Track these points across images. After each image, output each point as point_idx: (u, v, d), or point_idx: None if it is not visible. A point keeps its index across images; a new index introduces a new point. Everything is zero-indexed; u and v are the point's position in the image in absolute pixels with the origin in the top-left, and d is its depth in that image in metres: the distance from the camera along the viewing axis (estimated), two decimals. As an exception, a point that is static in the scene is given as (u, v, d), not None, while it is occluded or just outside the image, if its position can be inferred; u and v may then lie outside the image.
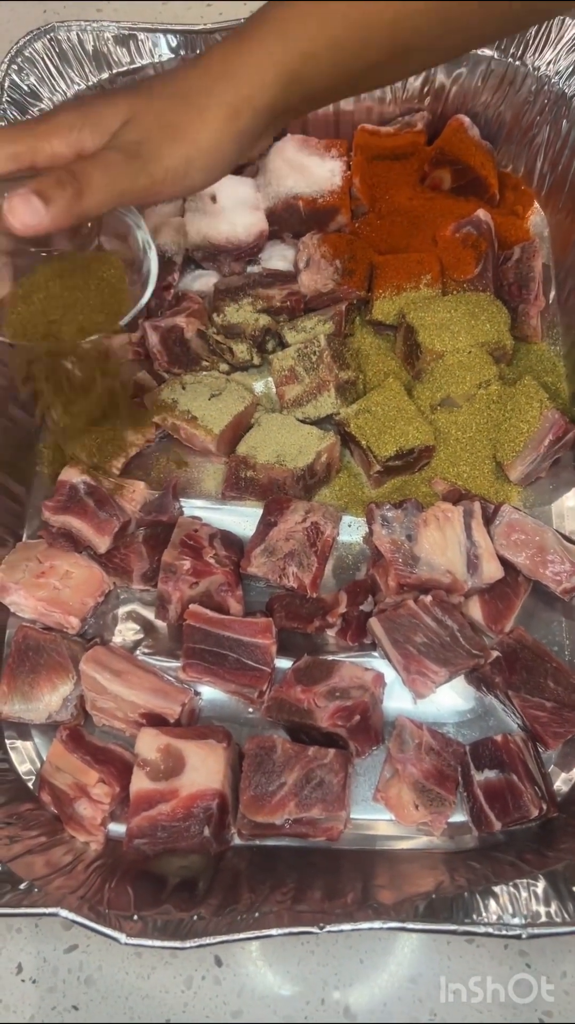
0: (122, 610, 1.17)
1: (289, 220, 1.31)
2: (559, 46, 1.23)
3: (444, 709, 1.09)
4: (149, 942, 0.84)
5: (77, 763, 1.01)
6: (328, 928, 0.83)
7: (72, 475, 1.16)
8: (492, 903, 0.85)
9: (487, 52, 1.24)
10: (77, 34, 1.25)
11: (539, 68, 1.24)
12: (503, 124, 1.32)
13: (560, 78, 1.24)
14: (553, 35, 1.23)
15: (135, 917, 0.87)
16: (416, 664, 1.02)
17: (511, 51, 1.24)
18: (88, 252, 0.86)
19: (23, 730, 1.10)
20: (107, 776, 1.00)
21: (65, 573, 1.13)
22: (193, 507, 1.20)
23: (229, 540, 1.15)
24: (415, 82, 1.29)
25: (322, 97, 0.83)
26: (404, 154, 1.33)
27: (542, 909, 0.84)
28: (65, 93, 1.26)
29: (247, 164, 1.34)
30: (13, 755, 1.09)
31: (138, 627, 1.15)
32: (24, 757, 1.09)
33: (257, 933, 0.83)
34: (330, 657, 1.08)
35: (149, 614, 1.16)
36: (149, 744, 0.99)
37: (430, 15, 0.74)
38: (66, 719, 1.07)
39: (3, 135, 0.73)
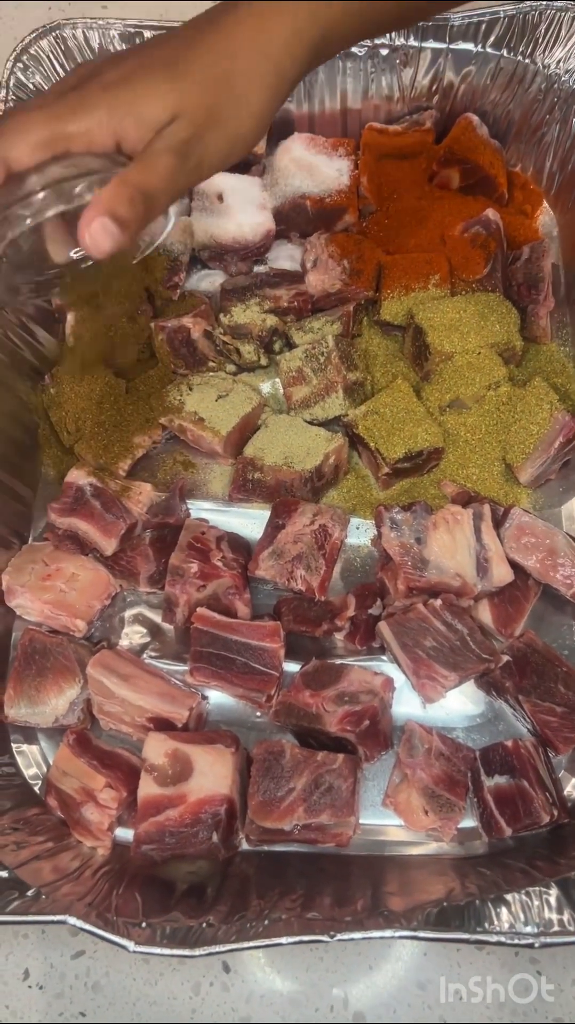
0: (129, 613, 1.16)
1: (296, 219, 1.30)
2: (569, 44, 1.22)
3: (454, 714, 1.08)
4: (158, 950, 0.83)
5: (84, 767, 1.01)
6: (339, 936, 0.82)
7: (78, 477, 1.15)
8: (504, 911, 0.84)
9: (496, 50, 1.23)
10: (83, 32, 1.24)
11: (548, 66, 1.23)
12: (512, 123, 1.31)
13: (570, 76, 1.22)
14: (563, 33, 1.21)
15: (143, 924, 0.86)
16: (426, 668, 1.01)
17: (520, 49, 1.23)
18: None
19: (30, 734, 1.10)
20: (114, 781, 1.00)
21: (71, 576, 1.12)
22: (200, 509, 1.20)
23: (236, 543, 1.14)
24: (423, 80, 1.28)
25: (348, 45, 0.87)
26: (412, 153, 1.32)
27: (555, 917, 0.83)
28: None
29: (254, 163, 1.33)
30: (20, 759, 1.08)
31: (145, 630, 1.15)
32: (31, 761, 1.09)
33: (267, 941, 0.83)
34: (338, 661, 1.07)
35: (156, 617, 1.15)
36: (156, 749, 0.98)
37: None
38: (73, 723, 1.06)
39: (32, 121, 0.70)
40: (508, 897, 0.85)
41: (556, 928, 0.82)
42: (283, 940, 0.83)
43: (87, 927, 0.84)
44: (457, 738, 1.05)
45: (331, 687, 1.02)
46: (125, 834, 1.01)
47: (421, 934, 0.82)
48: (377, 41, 1.24)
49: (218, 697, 1.09)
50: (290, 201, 1.29)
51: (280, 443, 1.16)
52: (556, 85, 1.23)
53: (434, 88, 1.30)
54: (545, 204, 1.35)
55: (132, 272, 1.20)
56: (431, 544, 1.06)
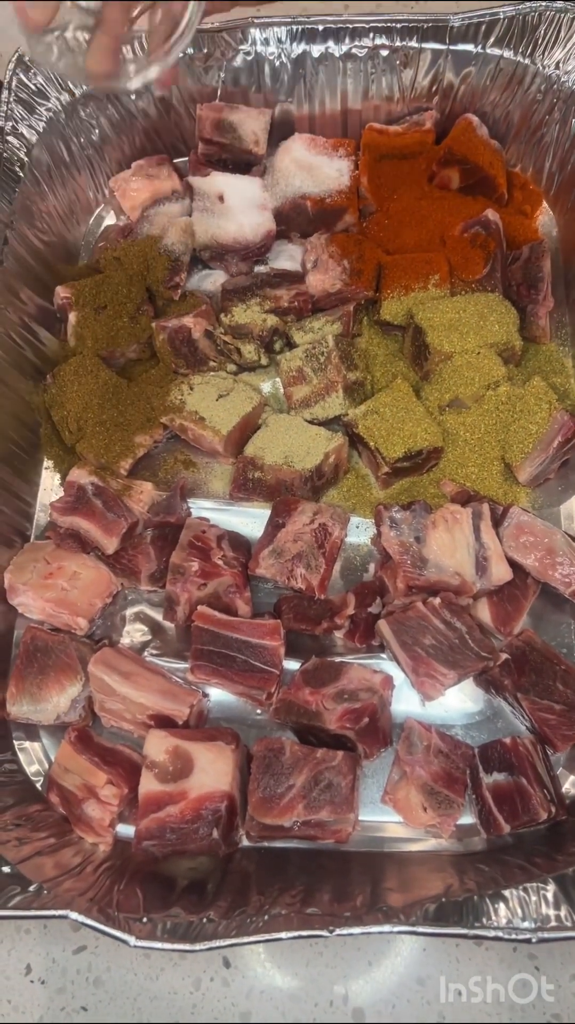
0: (130, 611, 1.16)
1: (297, 220, 1.31)
2: (568, 45, 1.22)
3: (453, 711, 1.09)
4: (159, 945, 0.84)
5: (86, 764, 1.02)
6: (338, 932, 0.83)
7: (80, 476, 1.16)
8: (502, 907, 0.84)
9: (496, 51, 1.24)
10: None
11: (548, 67, 1.23)
12: (512, 123, 1.31)
13: (569, 77, 1.23)
14: (562, 34, 1.22)
15: (144, 919, 0.87)
16: (425, 666, 1.02)
17: (520, 50, 1.23)
18: None
19: (32, 731, 1.10)
20: (115, 777, 1.00)
21: (73, 574, 1.12)
22: (201, 508, 1.20)
23: (237, 541, 1.15)
24: (424, 81, 1.29)
25: None
26: (412, 153, 1.32)
27: (552, 913, 0.84)
28: (72, 93, 1.26)
29: (255, 163, 1.33)
30: (22, 756, 1.09)
31: (146, 628, 1.15)
32: (33, 758, 1.09)
33: (267, 937, 0.83)
34: (338, 659, 1.08)
35: (157, 615, 1.16)
36: (157, 746, 0.99)
37: None
38: (74, 720, 1.07)
39: None
40: (506, 893, 0.85)
41: (553, 924, 0.83)
42: (283, 935, 0.83)
43: (88, 922, 0.85)
44: (456, 735, 1.05)
45: (331, 685, 1.03)
46: (126, 830, 1.02)
47: (419, 929, 0.83)
48: (377, 42, 1.24)
49: (219, 694, 1.10)
50: (290, 201, 1.30)
51: (280, 442, 1.17)
52: (556, 86, 1.24)
53: (434, 89, 1.30)
54: (544, 204, 1.35)
55: None
56: (430, 543, 1.07)
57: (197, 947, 0.83)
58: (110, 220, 1.41)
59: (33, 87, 1.24)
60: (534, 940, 0.82)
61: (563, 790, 1.04)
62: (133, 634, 1.15)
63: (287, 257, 1.32)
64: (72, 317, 1.23)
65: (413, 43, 1.24)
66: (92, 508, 1.13)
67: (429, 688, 1.02)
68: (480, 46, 1.24)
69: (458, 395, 1.17)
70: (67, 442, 1.21)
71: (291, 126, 1.35)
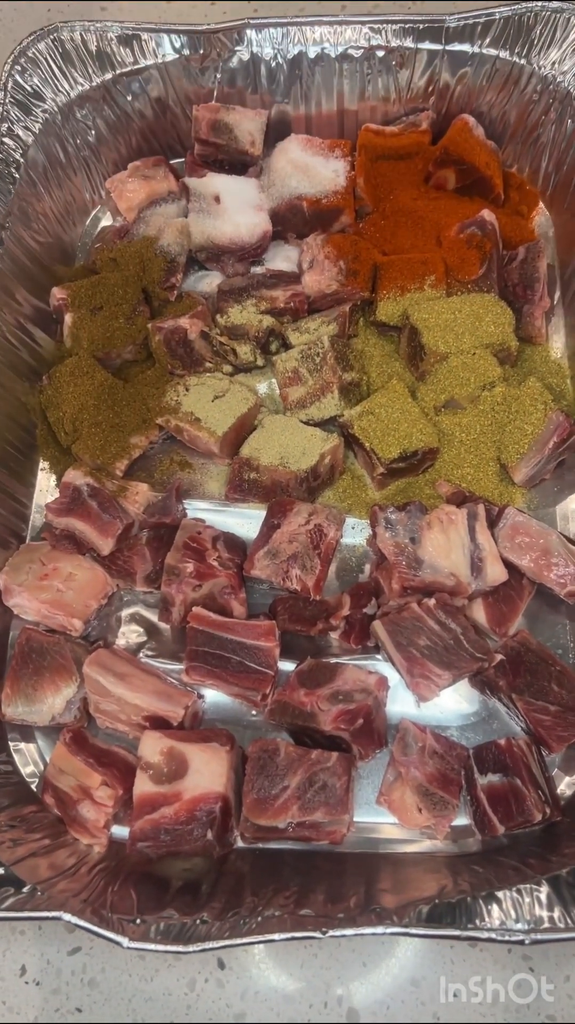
0: (125, 612, 1.16)
1: (293, 221, 1.31)
2: (564, 46, 1.22)
3: (447, 712, 1.09)
4: (152, 946, 0.84)
5: (80, 765, 1.02)
6: (331, 933, 0.83)
7: (75, 477, 1.16)
8: (495, 908, 0.84)
9: (492, 51, 1.24)
10: (80, 34, 1.24)
11: (544, 68, 1.23)
12: (508, 124, 1.31)
13: (565, 77, 1.23)
14: (558, 35, 1.22)
15: (138, 921, 0.87)
16: (420, 667, 1.02)
17: (516, 50, 1.23)
18: None
19: (27, 732, 1.10)
20: (110, 779, 1.00)
21: (68, 575, 1.13)
22: (196, 509, 1.20)
23: (232, 542, 1.15)
24: (420, 81, 1.29)
25: None
26: (408, 154, 1.32)
27: (545, 914, 0.84)
28: (68, 94, 1.26)
29: (251, 164, 1.33)
30: (17, 757, 1.09)
31: (141, 629, 1.15)
32: (28, 759, 1.09)
33: (260, 938, 0.83)
34: (333, 660, 1.08)
35: (152, 616, 1.16)
36: (152, 747, 0.99)
37: None
38: (69, 721, 1.07)
39: None
40: (499, 894, 0.85)
41: (546, 925, 0.83)
42: (276, 937, 0.83)
43: (82, 923, 0.85)
44: (451, 736, 1.05)
45: (326, 686, 1.03)
46: (121, 831, 1.02)
47: (412, 931, 0.83)
48: (373, 42, 1.24)
49: (214, 696, 1.10)
50: (287, 202, 1.30)
51: (276, 443, 1.17)
52: (552, 86, 1.24)
53: (430, 89, 1.30)
54: (541, 205, 1.35)
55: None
56: (426, 544, 1.07)
57: (190, 948, 0.83)
58: (106, 221, 1.41)
59: (29, 88, 1.24)
60: (527, 942, 0.82)
61: (558, 791, 1.03)
62: (128, 635, 1.15)
63: (283, 258, 1.32)
64: (68, 318, 1.23)
65: (409, 43, 1.24)
66: (88, 509, 1.13)
67: (424, 689, 1.02)
68: (476, 46, 1.24)
69: (454, 396, 1.17)
70: (63, 443, 1.21)
71: (287, 127, 1.35)
